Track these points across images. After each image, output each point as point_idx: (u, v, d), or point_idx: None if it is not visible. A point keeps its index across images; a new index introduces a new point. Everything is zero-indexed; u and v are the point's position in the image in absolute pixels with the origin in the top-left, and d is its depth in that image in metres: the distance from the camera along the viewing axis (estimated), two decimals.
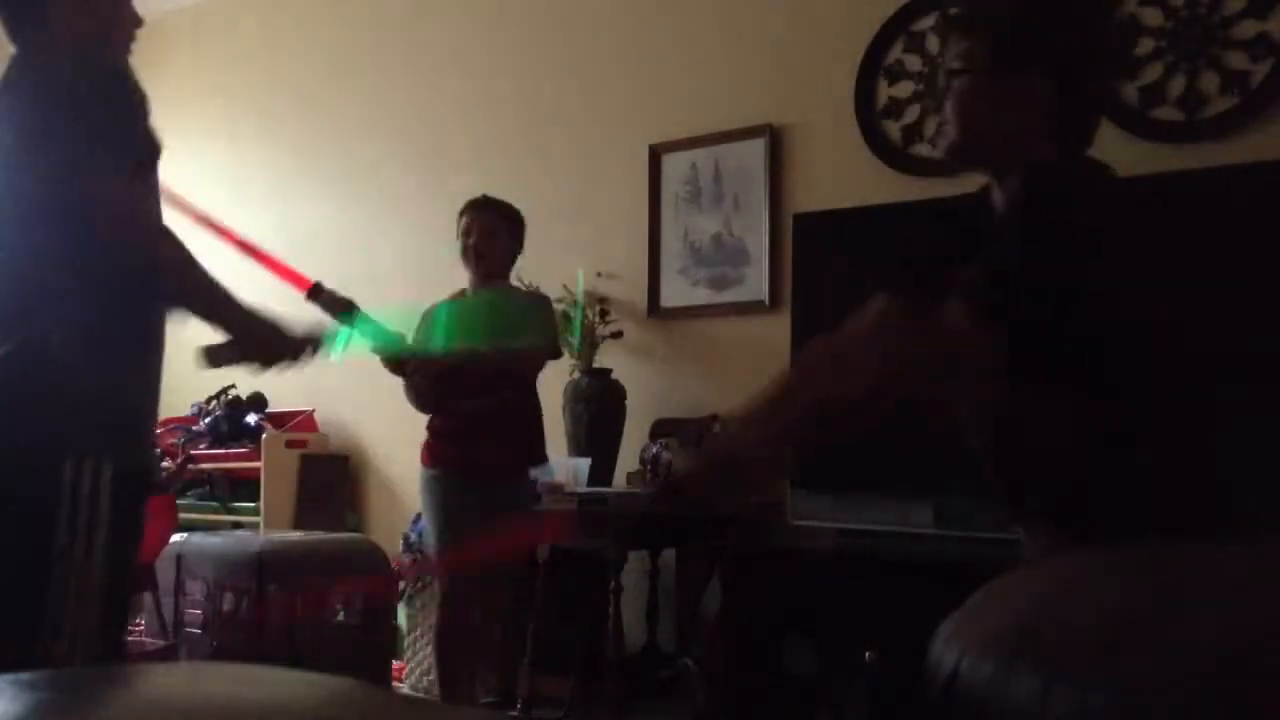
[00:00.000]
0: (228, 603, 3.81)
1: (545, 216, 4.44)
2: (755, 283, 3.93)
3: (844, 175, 3.76)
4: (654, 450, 3.78)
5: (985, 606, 1.03)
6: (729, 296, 4.00)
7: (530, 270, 4.04)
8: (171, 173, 6.58)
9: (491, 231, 3.33)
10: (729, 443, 1.54)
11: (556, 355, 3.43)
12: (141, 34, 2.35)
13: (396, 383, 4.95)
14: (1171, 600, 0.92)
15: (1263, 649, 0.81)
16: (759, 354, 3.87)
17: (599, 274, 4.21)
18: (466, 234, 3.34)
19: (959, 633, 0.99)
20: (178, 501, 3.94)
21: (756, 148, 3.95)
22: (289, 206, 5.47)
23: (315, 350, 2.07)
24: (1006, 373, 1.45)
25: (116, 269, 1.85)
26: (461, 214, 3.39)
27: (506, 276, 3.46)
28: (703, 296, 4.06)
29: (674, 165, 4.16)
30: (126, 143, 1.92)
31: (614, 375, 4.01)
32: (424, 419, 3.43)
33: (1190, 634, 0.85)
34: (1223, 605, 0.90)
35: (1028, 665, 0.88)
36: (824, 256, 3.50)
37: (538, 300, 3.56)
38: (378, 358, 3.24)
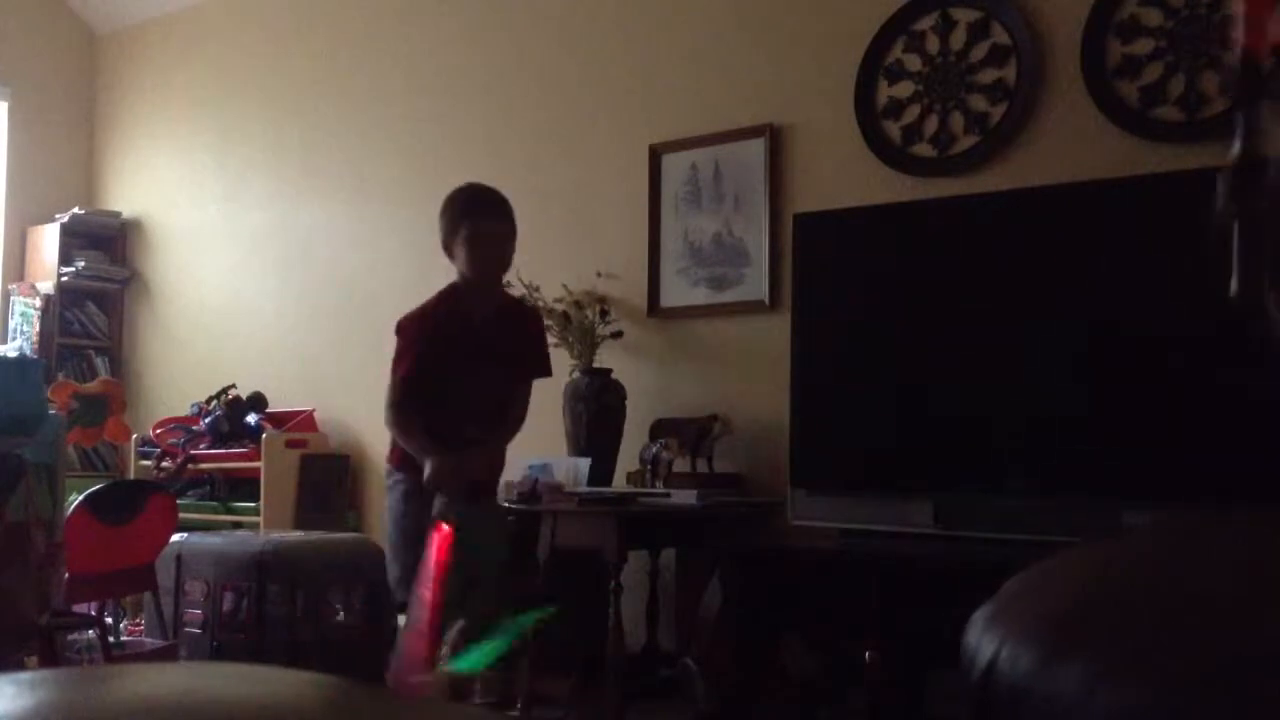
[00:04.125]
0: (228, 603, 3.81)
1: (545, 216, 4.44)
2: (755, 283, 3.93)
3: (844, 175, 3.76)
4: (654, 450, 3.78)
5: (1026, 592, 1.00)
6: (729, 296, 4.00)
7: (530, 270, 4.04)
8: (172, 173, 6.59)
9: (505, 239, 2.96)
10: None
11: (548, 374, 3.17)
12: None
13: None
14: (1239, 587, 0.89)
15: None
16: (759, 354, 3.88)
17: (599, 274, 4.21)
18: (482, 243, 2.91)
19: (998, 620, 0.95)
20: (178, 501, 3.93)
21: (756, 148, 3.95)
22: (290, 207, 5.48)
23: None
24: None
25: None
26: (462, 215, 2.95)
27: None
28: (703, 296, 4.06)
29: (674, 165, 4.16)
30: None
31: (614, 375, 4.01)
32: None
33: (1255, 619, 0.81)
34: None
35: (1073, 657, 0.85)
36: (824, 256, 3.51)
37: (534, 316, 3.28)
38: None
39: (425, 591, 2.47)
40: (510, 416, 3.04)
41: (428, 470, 2.81)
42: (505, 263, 2.98)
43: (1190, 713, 0.77)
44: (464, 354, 2.95)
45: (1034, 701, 0.86)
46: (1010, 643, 0.90)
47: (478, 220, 2.93)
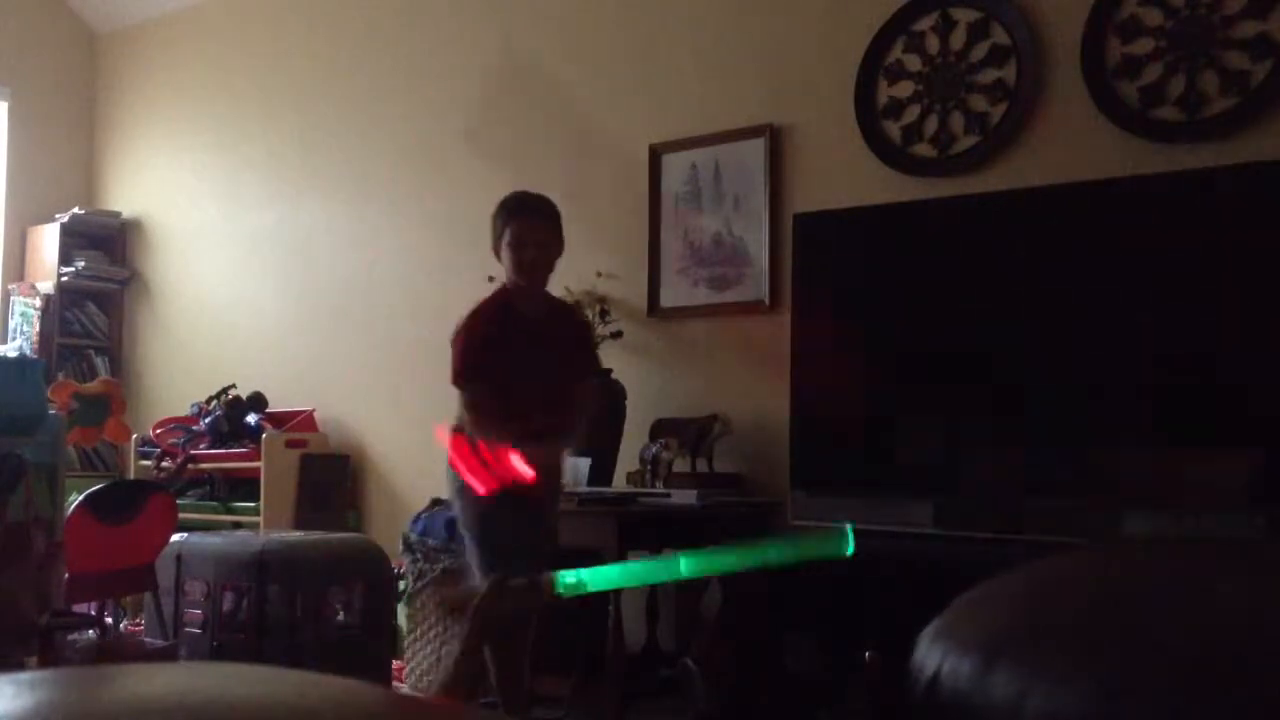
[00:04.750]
0: (228, 603, 3.80)
1: None
2: (755, 283, 3.93)
3: (844, 175, 3.76)
4: (654, 450, 3.78)
5: (969, 608, 1.04)
6: (729, 296, 4.00)
7: None
8: (172, 173, 6.58)
9: (547, 243, 3.04)
10: None
11: (600, 368, 3.33)
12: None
13: (395, 382, 4.97)
14: (1153, 600, 0.93)
15: (1242, 649, 0.81)
16: (759, 354, 3.88)
17: (599, 274, 4.21)
18: (520, 246, 3.01)
19: (942, 634, 0.99)
20: (178, 501, 3.93)
21: (756, 148, 3.95)
22: (290, 207, 5.48)
23: None
24: None
25: None
26: (507, 218, 3.05)
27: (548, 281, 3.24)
28: (703, 296, 4.06)
29: (674, 165, 4.16)
30: None
31: (614, 375, 4.01)
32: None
33: (1170, 634, 0.85)
34: (1204, 605, 0.90)
35: (1006, 666, 0.89)
36: (824, 256, 3.51)
37: (580, 315, 3.39)
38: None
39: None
40: (577, 410, 3.12)
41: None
42: (546, 264, 3.07)
43: (1116, 715, 0.80)
44: (519, 350, 3.01)
45: (973, 709, 0.88)
46: (952, 655, 0.93)
47: (517, 224, 3.03)
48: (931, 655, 0.96)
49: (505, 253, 3.03)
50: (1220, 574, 1.01)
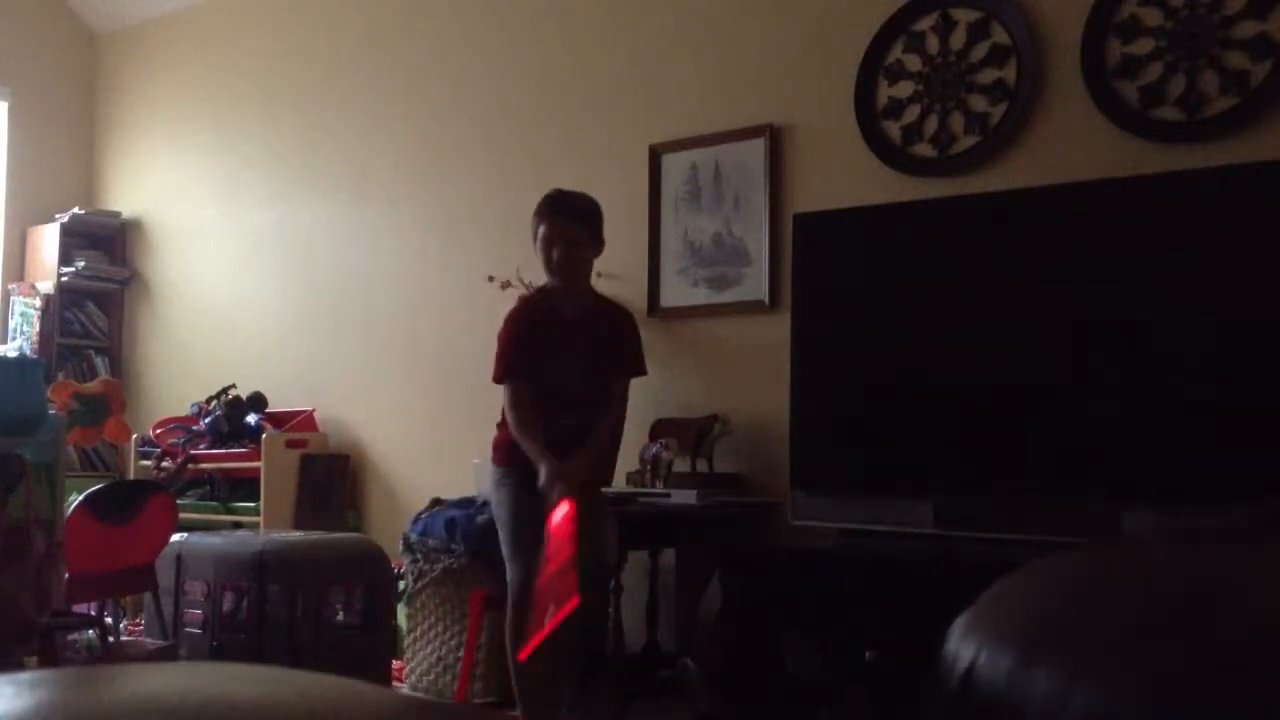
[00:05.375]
0: (228, 603, 3.80)
1: None
2: (755, 283, 3.93)
3: (844, 175, 3.76)
4: (654, 450, 3.78)
5: (1005, 599, 1.01)
6: (729, 296, 4.00)
7: (531, 270, 4.04)
8: (172, 173, 6.58)
9: (576, 242, 3.07)
10: None
11: (644, 373, 3.30)
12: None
13: (395, 382, 4.97)
14: (1205, 593, 0.91)
15: None
16: (759, 354, 3.88)
17: (599, 274, 4.20)
18: (548, 245, 3.05)
19: (977, 625, 0.96)
20: (178, 501, 3.93)
21: (756, 148, 3.95)
22: (290, 207, 5.48)
23: None
24: None
25: None
26: (540, 218, 3.08)
27: (589, 279, 3.26)
28: (703, 296, 4.06)
29: (674, 165, 4.16)
30: None
31: None
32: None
33: (1227, 627, 0.83)
34: (1260, 598, 0.88)
35: (1050, 658, 0.86)
36: (824, 256, 3.50)
37: (625, 316, 3.37)
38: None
39: (551, 558, 2.74)
40: (608, 416, 3.13)
41: (543, 474, 2.88)
42: (575, 262, 3.09)
43: (1164, 713, 0.78)
44: (554, 349, 3.05)
45: (1012, 704, 0.86)
46: (989, 647, 0.91)
47: (547, 224, 3.07)
48: (965, 648, 0.94)
49: (539, 252, 3.07)
50: (1268, 563, 0.99)
